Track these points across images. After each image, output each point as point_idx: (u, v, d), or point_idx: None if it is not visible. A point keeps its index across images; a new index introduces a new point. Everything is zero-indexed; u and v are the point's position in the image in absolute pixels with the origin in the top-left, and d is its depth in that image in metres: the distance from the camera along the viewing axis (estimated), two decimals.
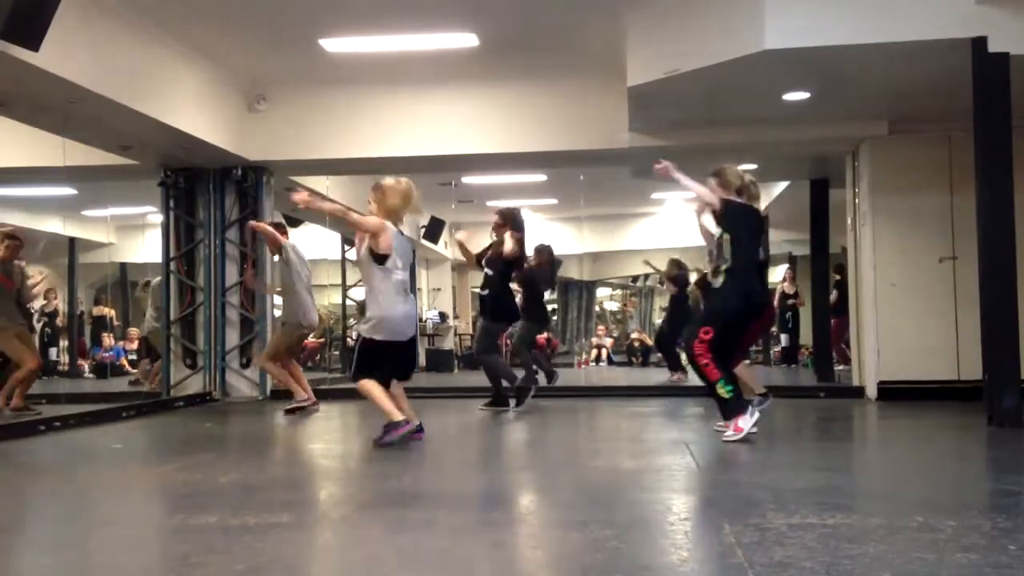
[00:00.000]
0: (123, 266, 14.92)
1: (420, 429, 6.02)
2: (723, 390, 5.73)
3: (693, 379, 11.27)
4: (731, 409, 5.73)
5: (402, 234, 5.86)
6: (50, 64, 6.46)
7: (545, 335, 17.06)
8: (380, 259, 5.68)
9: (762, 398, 7.09)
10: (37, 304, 12.00)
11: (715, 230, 6.11)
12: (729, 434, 5.65)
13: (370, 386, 5.73)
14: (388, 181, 5.83)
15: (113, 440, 6.91)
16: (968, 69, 6.60)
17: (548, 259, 10.27)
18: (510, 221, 8.16)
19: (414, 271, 17.32)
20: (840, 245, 11.51)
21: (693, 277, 12.13)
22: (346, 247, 15.06)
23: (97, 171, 9.93)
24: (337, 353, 15.43)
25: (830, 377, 11.27)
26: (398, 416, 5.66)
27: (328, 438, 7.33)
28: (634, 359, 17.03)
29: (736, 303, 5.93)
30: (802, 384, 11.38)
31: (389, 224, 5.72)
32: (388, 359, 5.87)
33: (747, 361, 7.81)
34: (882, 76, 7.59)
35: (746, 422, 5.67)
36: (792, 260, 16.60)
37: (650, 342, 17.32)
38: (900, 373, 8.94)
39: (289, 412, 8.15)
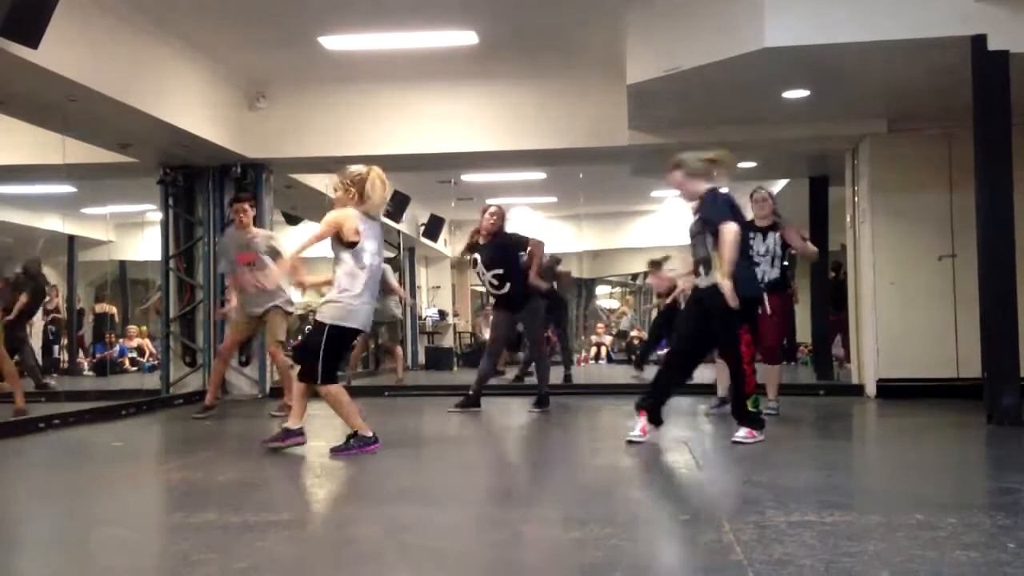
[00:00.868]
0: (122, 264, 14.92)
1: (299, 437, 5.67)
2: (751, 404, 5.76)
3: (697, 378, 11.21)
4: (754, 420, 5.74)
5: (374, 220, 5.53)
6: (49, 62, 6.45)
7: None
8: (350, 244, 5.36)
9: (721, 402, 7.18)
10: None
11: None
12: (742, 435, 5.63)
13: (339, 393, 5.45)
14: (360, 170, 5.45)
15: (113, 438, 6.90)
16: (968, 67, 6.60)
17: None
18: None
19: (414, 268, 17.33)
20: (840, 243, 11.52)
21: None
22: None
23: (96, 169, 9.93)
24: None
25: (829, 375, 11.28)
26: (369, 431, 5.49)
27: (328, 436, 7.32)
28: (633, 357, 17.01)
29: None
30: (801, 382, 11.37)
31: (352, 212, 5.38)
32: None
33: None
34: (882, 74, 7.59)
35: (760, 433, 5.69)
36: (791, 258, 16.58)
37: None
38: (899, 371, 8.95)
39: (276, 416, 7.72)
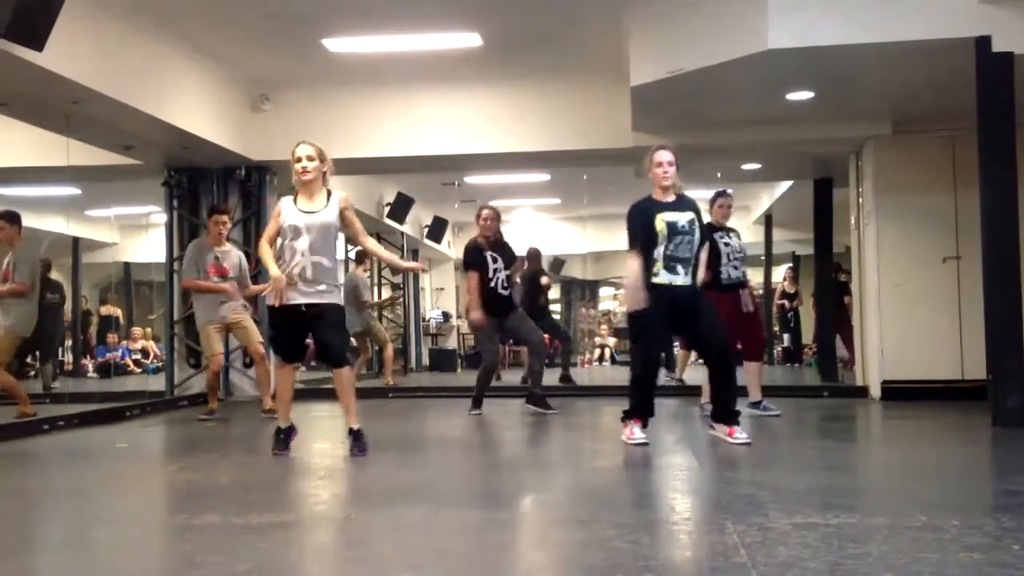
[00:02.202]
0: (127, 266, 14.94)
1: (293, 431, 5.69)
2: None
3: (694, 379, 11.29)
4: (737, 415, 5.78)
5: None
6: (54, 64, 6.47)
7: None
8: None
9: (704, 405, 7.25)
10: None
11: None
12: (745, 436, 5.63)
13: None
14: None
15: (117, 439, 6.91)
16: (972, 68, 6.59)
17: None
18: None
19: None
20: (844, 245, 11.52)
21: None
22: (348, 246, 15.07)
23: (101, 171, 9.94)
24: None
25: (834, 377, 11.26)
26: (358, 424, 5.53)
27: (330, 438, 7.32)
28: None
29: None
30: (806, 384, 11.37)
31: None
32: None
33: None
34: (886, 75, 7.58)
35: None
36: (796, 260, 16.61)
37: None
38: (904, 373, 8.93)
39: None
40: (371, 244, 5.86)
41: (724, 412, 5.78)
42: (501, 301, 7.81)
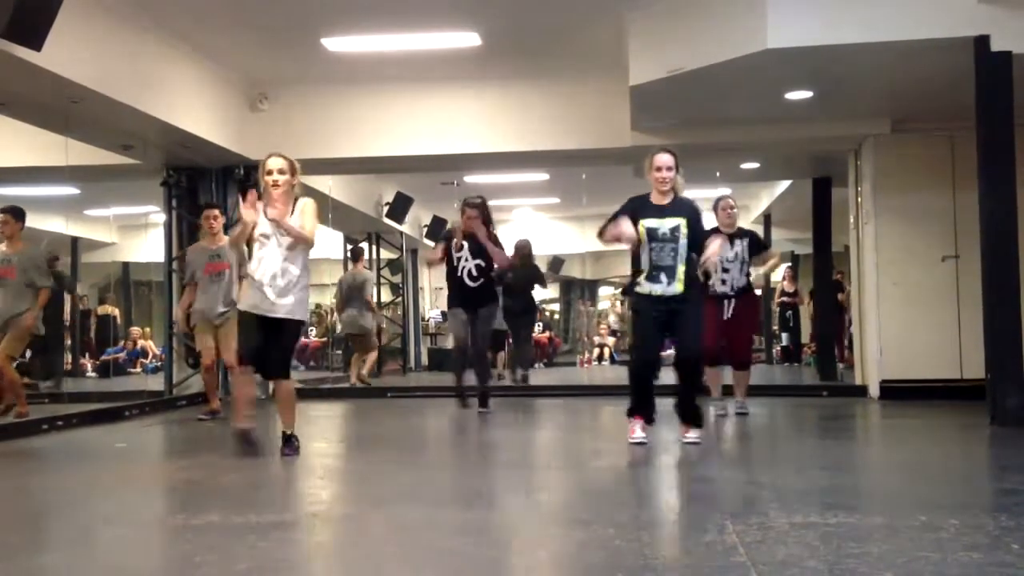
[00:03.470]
0: (126, 265, 14.94)
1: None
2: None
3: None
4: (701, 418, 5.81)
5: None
6: (52, 63, 6.47)
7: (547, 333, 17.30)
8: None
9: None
10: None
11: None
12: (693, 436, 5.68)
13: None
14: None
15: (116, 439, 6.91)
16: (971, 68, 6.59)
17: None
18: (486, 213, 7.86)
19: (417, 269, 17.36)
20: (843, 244, 11.53)
21: None
22: (348, 245, 15.08)
23: (100, 171, 9.94)
24: (340, 352, 15.39)
25: (833, 376, 11.26)
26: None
27: (330, 438, 7.33)
28: None
29: None
30: (805, 383, 11.37)
31: None
32: None
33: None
34: (885, 75, 7.58)
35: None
36: (795, 259, 16.62)
37: None
38: (903, 372, 8.93)
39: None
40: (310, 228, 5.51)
41: (683, 411, 5.76)
42: (467, 292, 7.75)
